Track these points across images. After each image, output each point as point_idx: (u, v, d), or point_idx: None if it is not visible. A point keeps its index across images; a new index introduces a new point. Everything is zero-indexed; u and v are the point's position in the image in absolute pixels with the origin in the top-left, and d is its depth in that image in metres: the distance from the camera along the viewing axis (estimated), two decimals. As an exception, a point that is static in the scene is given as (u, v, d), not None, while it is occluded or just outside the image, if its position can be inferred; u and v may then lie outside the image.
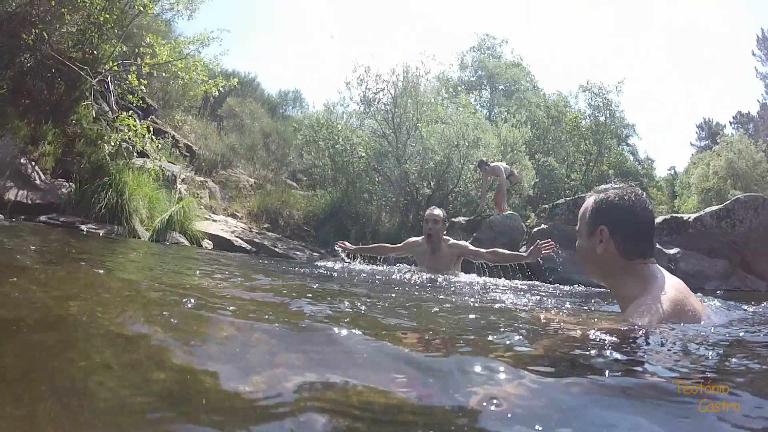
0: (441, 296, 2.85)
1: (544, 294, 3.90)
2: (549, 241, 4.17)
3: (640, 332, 1.50)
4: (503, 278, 5.46)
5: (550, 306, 2.62)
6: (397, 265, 5.37)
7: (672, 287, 1.72)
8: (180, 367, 1.09)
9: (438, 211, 4.98)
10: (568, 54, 65.29)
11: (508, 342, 1.46)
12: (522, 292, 3.39)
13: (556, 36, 66.77)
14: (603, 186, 1.96)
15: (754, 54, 30.53)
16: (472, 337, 1.63)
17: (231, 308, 1.76)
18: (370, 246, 5.63)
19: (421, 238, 5.09)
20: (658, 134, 56.84)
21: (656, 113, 60.74)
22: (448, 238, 5.02)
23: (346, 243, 5.35)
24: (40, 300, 1.58)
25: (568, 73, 60.23)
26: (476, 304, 2.49)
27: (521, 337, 1.51)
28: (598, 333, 1.51)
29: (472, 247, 5.00)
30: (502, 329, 1.76)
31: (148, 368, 1.08)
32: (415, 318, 2.07)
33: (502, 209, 9.39)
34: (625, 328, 1.56)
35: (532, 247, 4.28)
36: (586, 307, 2.61)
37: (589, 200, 1.94)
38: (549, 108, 20.85)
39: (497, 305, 2.53)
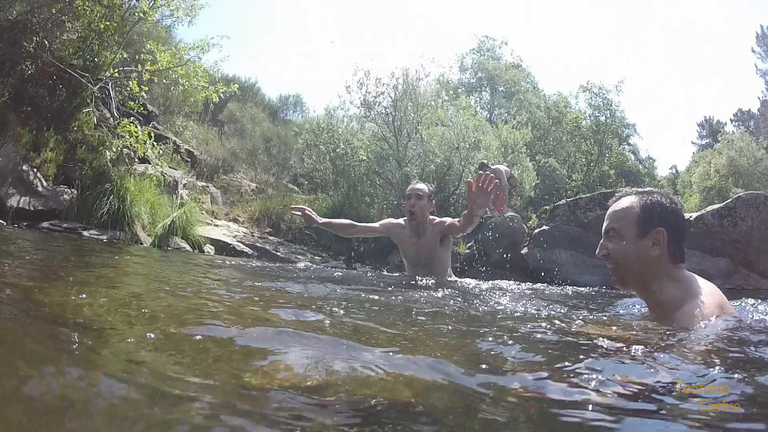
0: (467, 313, 2.44)
1: (556, 298, 3.59)
2: (488, 175, 3.37)
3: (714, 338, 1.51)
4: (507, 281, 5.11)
5: (577, 314, 2.46)
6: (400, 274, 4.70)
7: (713, 292, 1.75)
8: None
9: (422, 185, 4.26)
10: (568, 54, 65.36)
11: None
12: (536, 298, 3.12)
13: (555, 37, 66.87)
14: (643, 189, 1.95)
15: (753, 51, 30.57)
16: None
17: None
18: (337, 222, 4.56)
19: (402, 219, 4.36)
20: (659, 133, 56.85)
21: (657, 112, 60.79)
22: (434, 218, 4.22)
23: (312, 213, 4.22)
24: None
25: (568, 73, 60.31)
26: (509, 321, 2.18)
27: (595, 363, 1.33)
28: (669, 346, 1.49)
29: (449, 220, 4.16)
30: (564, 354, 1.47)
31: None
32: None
33: (500, 211, 9.39)
34: (697, 338, 1.54)
35: (472, 195, 3.45)
36: (612, 313, 2.50)
37: (632, 201, 1.91)
38: (549, 109, 20.82)
39: (535, 318, 2.26)
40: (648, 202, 1.87)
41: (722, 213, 7.35)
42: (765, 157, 19.46)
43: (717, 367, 1.23)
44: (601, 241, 1.96)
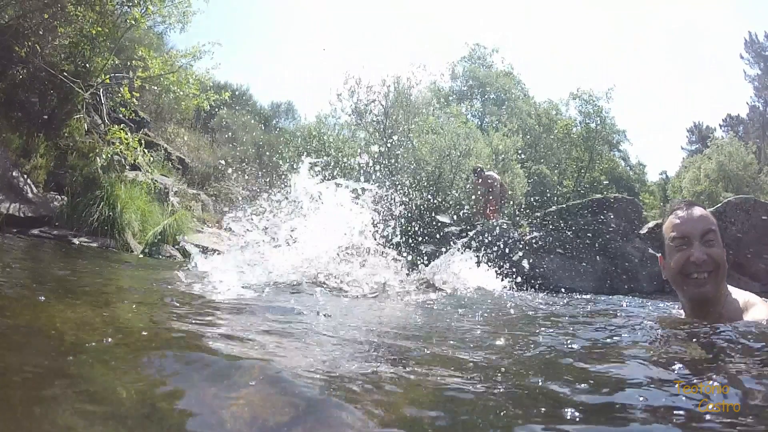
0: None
1: (561, 304, 3.36)
2: None
3: None
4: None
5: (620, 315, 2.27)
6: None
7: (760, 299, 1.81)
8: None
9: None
10: (559, 62, 65.78)
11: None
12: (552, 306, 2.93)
13: (546, 44, 67.28)
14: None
15: (742, 57, 30.81)
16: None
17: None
18: None
19: None
20: (649, 139, 57.12)
21: (647, 118, 61.14)
22: None
23: None
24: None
25: (558, 80, 60.61)
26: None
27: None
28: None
29: None
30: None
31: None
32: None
33: (488, 217, 9.40)
34: None
35: None
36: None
37: (703, 210, 1.89)
38: (540, 116, 20.98)
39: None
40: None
41: (712, 218, 7.40)
42: (754, 161, 19.68)
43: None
44: (696, 244, 1.80)
